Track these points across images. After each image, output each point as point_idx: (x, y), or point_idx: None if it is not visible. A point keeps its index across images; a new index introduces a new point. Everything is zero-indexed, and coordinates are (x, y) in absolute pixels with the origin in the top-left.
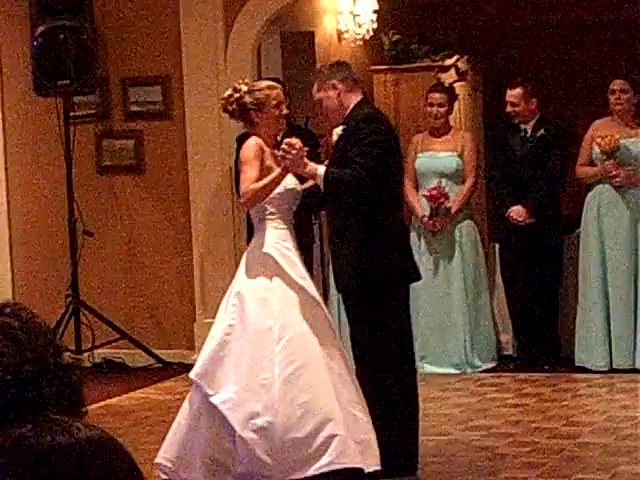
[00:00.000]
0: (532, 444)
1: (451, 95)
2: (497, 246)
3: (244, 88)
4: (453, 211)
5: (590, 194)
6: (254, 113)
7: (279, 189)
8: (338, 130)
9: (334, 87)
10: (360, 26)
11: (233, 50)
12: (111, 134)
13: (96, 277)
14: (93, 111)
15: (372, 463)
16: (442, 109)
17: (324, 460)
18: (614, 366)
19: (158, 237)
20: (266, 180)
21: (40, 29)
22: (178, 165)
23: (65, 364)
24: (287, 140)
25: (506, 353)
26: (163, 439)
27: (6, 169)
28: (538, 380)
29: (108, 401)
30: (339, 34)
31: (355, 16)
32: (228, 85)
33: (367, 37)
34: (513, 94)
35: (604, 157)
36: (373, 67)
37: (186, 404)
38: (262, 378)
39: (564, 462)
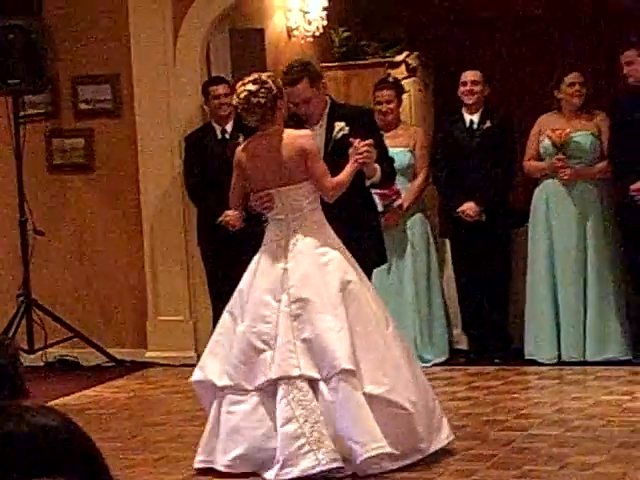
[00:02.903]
0: (482, 436)
1: (398, 90)
2: (447, 241)
3: (266, 78)
4: (405, 207)
5: (538, 188)
6: (280, 102)
7: None
8: (341, 124)
9: (324, 86)
10: (310, 23)
11: (182, 48)
12: (61, 133)
13: (47, 276)
14: (43, 110)
15: None
16: (390, 105)
17: (443, 434)
18: (563, 359)
19: (109, 235)
20: (347, 174)
21: None
22: (128, 163)
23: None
24: (367, 142)
25: (458, 347)
26: (115, 437)
27: None
28: (489, 373)
29: (61, 400)
30: (289, 31)
31: (305, 13)
32: (177, 83)
33: (317, 34)
34: (475, 73)
35: (554, 150)
36: (323, 64)
37: (339, 400)
38: (392, 360)
39: (514, 454)
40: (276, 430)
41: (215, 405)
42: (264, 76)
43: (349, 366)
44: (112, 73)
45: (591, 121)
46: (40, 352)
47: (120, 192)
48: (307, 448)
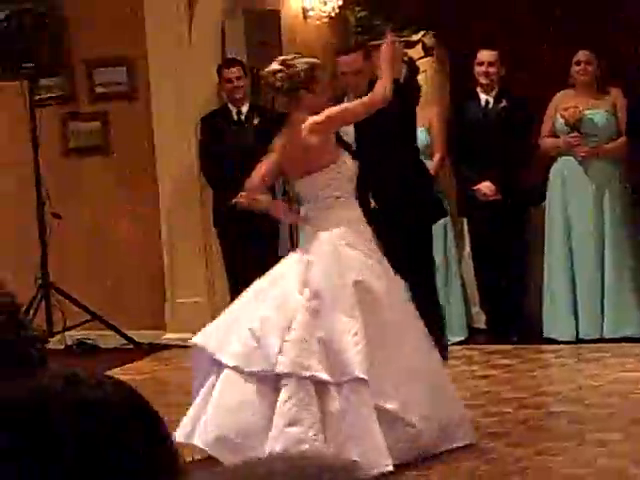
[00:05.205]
0: (500, 414)
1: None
2: (465, 220)
3: (295, 62)
4: None
5: (554, 166)
6: (304, 92)
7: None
8: None
9: (372, 61)
10: (325, 3)
11: (197, 29)
12: (77, 116)
13: (66, 259)
14: (59, 94)
15: None
16: None
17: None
18: (581, 336)
19: (126, 218)
20: (385, 74)
21: (4, 13)
22: (145, 146)
23: (29, 335)
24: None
25: (476, 326)
26: None
27: None
28: (507, 352)
29: None
30: (304, 12)
31: None
32: (193, 64)
33: (332, 14)
34: (491, 54)
35: (568, 129)
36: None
37: (355, 409)
38: (408, 370)
39: (531, 431)
40: (269, 422)
41: (211, 379)
42: (295, 60)
43: (362, 375)
44: (127, 55)
45: (606, 98)
46: (59, 335)
47: (137, 174)
48: None
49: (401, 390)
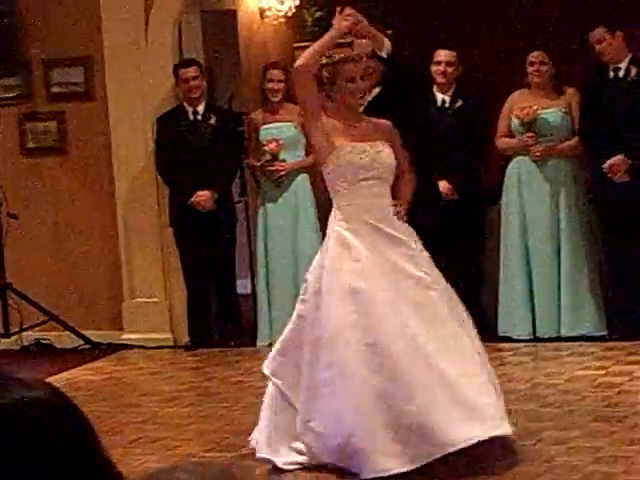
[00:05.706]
0: None
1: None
2: None
3: (323, 60)
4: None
5: (510, 165)
6: (328, 87)
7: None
8: (376, 90)
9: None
10: (282, 3)
11: (154, 29)
12: (34, 116)
13: (22, 259)
14: (15, 93)
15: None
16: None
17: (356, 470)
18: (538, 335)
19: (83, 218)
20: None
21: None
22: (102, 145)
23: None
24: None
25: None
26: (90, 419)
27: None
28: None
29: None
30: (261, 12)
31: None
32: (149, 64)
33: (289, 14)
34: (450, 54)
35: (523, 128)
36: (296, 44)
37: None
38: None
39: None
40: None
41: None
42: (323, 58)
43: (264, 370)
44: (84, 55)
45: (560, 98)
46: (16, 336)
47: (94, 174)
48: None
49: (310, 400)
